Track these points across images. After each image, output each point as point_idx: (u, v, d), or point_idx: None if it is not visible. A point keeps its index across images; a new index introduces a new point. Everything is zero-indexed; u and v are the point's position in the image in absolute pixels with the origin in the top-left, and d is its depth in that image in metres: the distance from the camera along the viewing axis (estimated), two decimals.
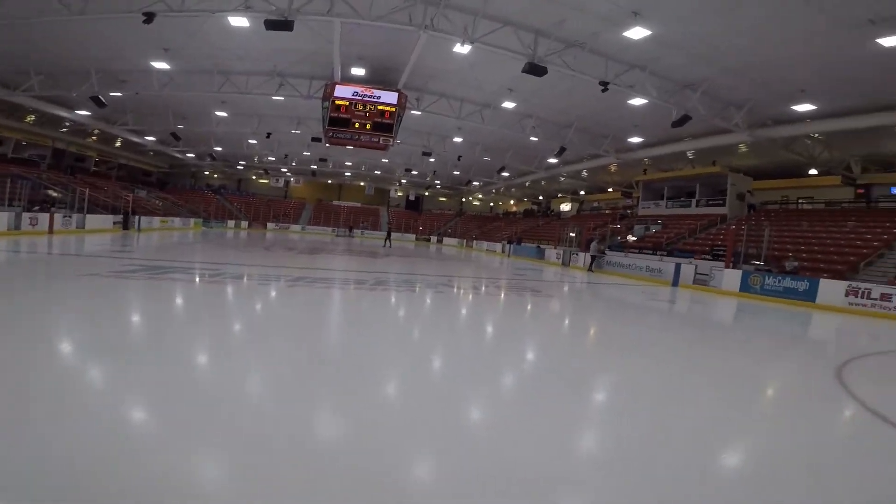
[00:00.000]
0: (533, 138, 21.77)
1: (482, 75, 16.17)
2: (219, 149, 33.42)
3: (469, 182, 40.35)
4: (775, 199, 23.14)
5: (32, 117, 24.77)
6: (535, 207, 46.57)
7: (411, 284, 9.17)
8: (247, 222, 40.71)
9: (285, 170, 42.24)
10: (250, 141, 30.59)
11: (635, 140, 21.85)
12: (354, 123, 17.12)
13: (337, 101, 16.71)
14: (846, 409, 3.48)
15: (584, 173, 30.92)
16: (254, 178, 49.58)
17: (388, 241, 28.07)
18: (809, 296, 11.86)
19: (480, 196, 52.99)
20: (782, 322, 9.03)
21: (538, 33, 12.32)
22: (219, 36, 14.39)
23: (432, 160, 31.58)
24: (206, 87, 18.14)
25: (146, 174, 42.01)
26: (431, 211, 53.63)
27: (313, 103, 18.34)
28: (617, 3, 10.37)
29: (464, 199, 54.59)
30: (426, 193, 51.13)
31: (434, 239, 44.96)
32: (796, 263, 13.54)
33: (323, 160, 35.17)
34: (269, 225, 41.37)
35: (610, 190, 36.02)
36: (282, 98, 19.00)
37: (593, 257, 19.07)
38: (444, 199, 54.70)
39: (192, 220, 33.40)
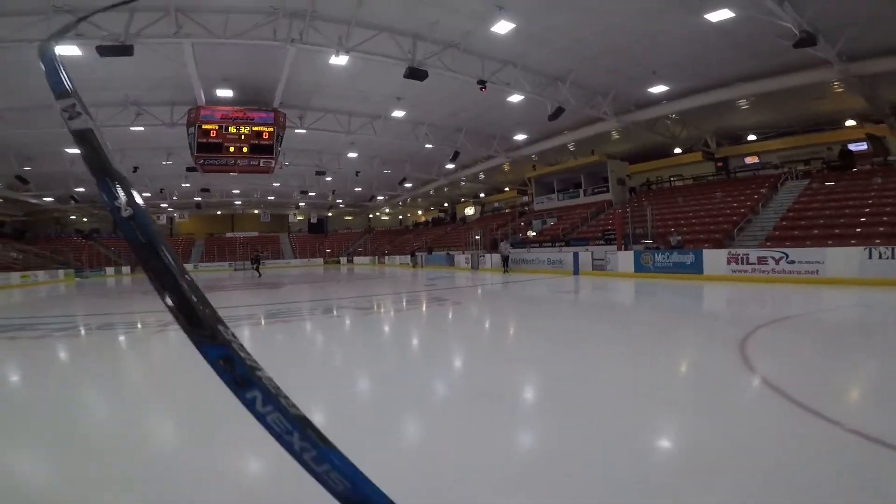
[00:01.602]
0: (428, 145, 21.70)
1: (366, 86, 15.68)
2: (80, 189, 28.94)
3: (373, 198, 39.41)
4: (651, 180, 25.41)
5: None
6: (442, 215, 46.95)
7: (327, 311, 8.22)
8: (128, 267, 35.74)
9: (165, 205, 37.85)
10: None
11: (521, 137, 22.75)
12: (228, 148, 15.70)
13: (204, 126, 15.21)
14: (753, 392, 3.35)
15: (481, 175, 31.66)
16: None
17: (256, 269, 25.43)
18: (697, 268, 12.81)
19: (388, 210, 52.19)
20: (677, 298, 9.44)
21: (416, 37, 12.18)
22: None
23: (329, 179, 30.34)
24: (47, 124, 15.52)
25: None
26: (338, 231, 51.69)
27: (180, 131, 16.40)
28: None
29: (371, 216, 53.39)
30: (329, 214, 49.15)
31: (344, 259, 43.26)
32: (679, 237, 14.74)
33: (205, 190, 31.90)
34: None
35: (507, 189, 37.40)
36: (142, 128, 16.88)
37: (505, 257, 19.02)
38: (349, 217, 53.01)
39: (61, 272, 28.35)
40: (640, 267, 14.25)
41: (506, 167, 28.92)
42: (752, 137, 21.86)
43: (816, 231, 12.76)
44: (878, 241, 10.68)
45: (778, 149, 20.87)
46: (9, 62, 11.71)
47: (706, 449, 2.30)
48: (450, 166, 27.05)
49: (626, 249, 15.39)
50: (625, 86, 15.95)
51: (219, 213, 46.15)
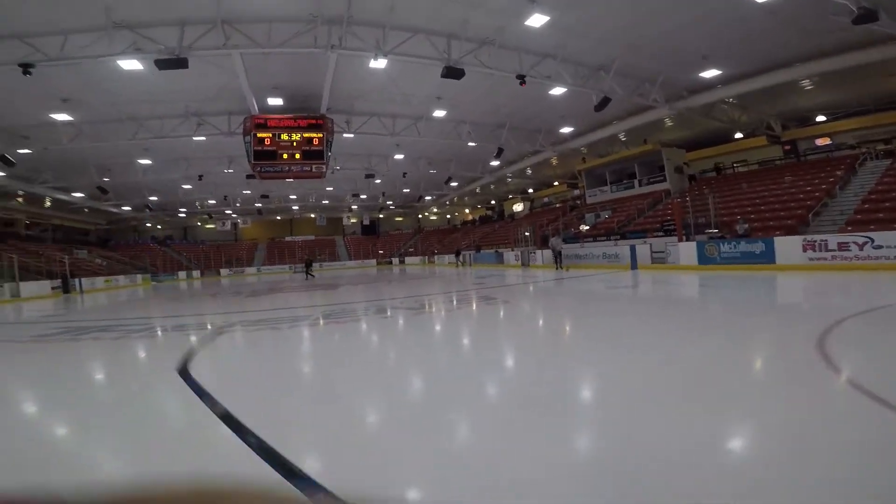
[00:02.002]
0: (471, 143, 21.65)
1: (407, 88, 15.92)
2: (154, 198, 31.71)
3: (421, 198, 39.95)
4: (710, 167, 23.88)
5: None
6: (489, 213, 46.66)
7: (381, 311, 8.44)
8: (199, 271, 38.70)
9: (229, 212, 40.51)
10: (184, 186, 28.97)
11: (567, 130, 22.15)
12: (282, 154, 16.42)
13: (259, 135, 15.97)
14: (836, 392, 2.99)
15: (529, 171, 31.12)
16: (199, 224, 47.34)
17: (308, 273, 25.81)
18: (768, 257, 11.85)
19: (435, 210, 52.68)
20: (749, 291, 8.72)
21: (450, 36, 12.25)
22: (117, 81, 13.54)
23: (378, 181, 31.06)
24: (120, 136, 17.09)
25: (84, 233, 39.46)
26: (389, 233, 52.90)
27: (238, 140, 17.42)
28: None
29: (420, 216, 54.13)
30: (380, 216, 50.32)
31: (396, 260, 44.16)
32: (746, 225, 13.71)
33: (265, 196, 33.81)
34: (223, 271, 39.50)
35: (556, 183, 36.50)
36: (203, 138, 18.12)
37: (557, 253, 18.21)
38: (400, 218, 54.07)
39: (139, 277, 31.28)
40: (704, 258, 13.37)
41: (553, 161, 28.25)
42: (821, 118, 20.12)
43: None
44: None
45: (852, 128, 19.27)
46: (78, 77, 12.85)
47: (788, 459, 2.06)
48: (495, 163, 26.85)
49: (687, 240, 14.49)
50: (673, 71, 15.24)
51: (278, 218, 48.64)
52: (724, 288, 9.34)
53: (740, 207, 16.67)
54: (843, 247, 10.45)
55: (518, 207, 41.27)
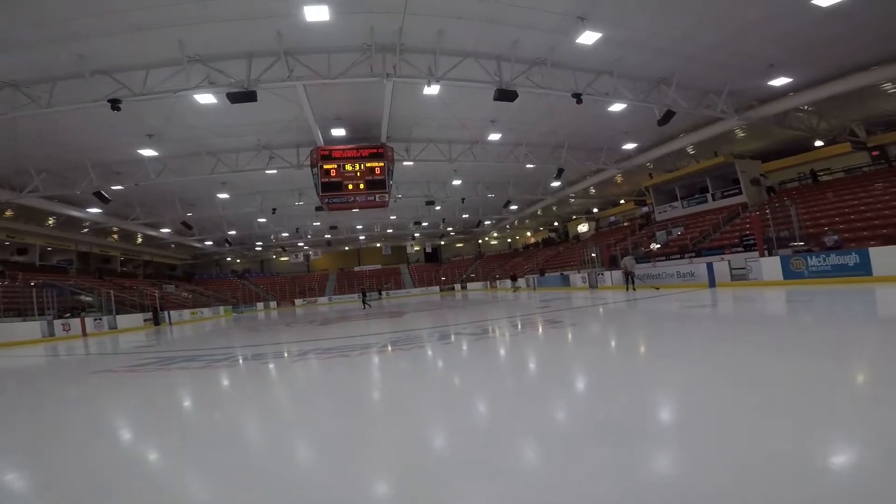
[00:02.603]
0: (529, 165, 21.62)
1: (462, 112, 16.28)
2: (232, 232, 34.39)
3: (480, 223, 40.22)
4: (792, 177, 22.07)
5: (52, 220, 25.67)
6: (552, 235, 45.84)
7: (444, 337, 8.60)
8: (275, 302, 41.36)
9: (302, 244, 43.24)
10: (259, 220, 31.17)
11: (630, 146, 21.55)
12: (347, 185, 16.96)
13: (325, 166, 16.65)
14: None
15: (592, 190, 30.45)
16: (274, 257, 50.93)
17: (364, 302, 26.19)
18: (863, 269, 10.69)
19: (496, 234, 52.71)
20: (845, 305, 7.88)
21: (499, 58, 12.44)
22: (193, 115, 14.63)
23: (438, 208, 31.82)
24: (200, 170, 18.39)
25: (171, 268, 43.78)
26: (450, 259, 53.59)
27: (307, 172, 18.43)
28: (561, 11, 10.45)
29: (480, 241, 54.39)
30: (442, 243, 51.26)
31: (458, 286, 44.46)
32: (836, 237, 12.43)
33: (333, 228, 35.80)
34: (297, 301, 41.91)
35: (622, 202, 35.28)
36: (275, 171, 19.39)
37: (629, 274, 16.43)
38: (460, 244, 54.67)
39: (221, 308, 34.03)
40: (790, 273, 12.23)
41: (618, 179, 27.48)
42: None
43: None
44: None
45: None
46: (161, 113, 13.95)
47: None
48: (555, 184, 26.52)
49: (770, 255, 13.35)
50: (739, 81, 14.68)
51: (346, 248, 51.15)
52: (815, 303, 8.46)
53: (827, 218, 15.28)
54: None
55: (583, 228, 40.25)
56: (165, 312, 25.15)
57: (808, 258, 11.93)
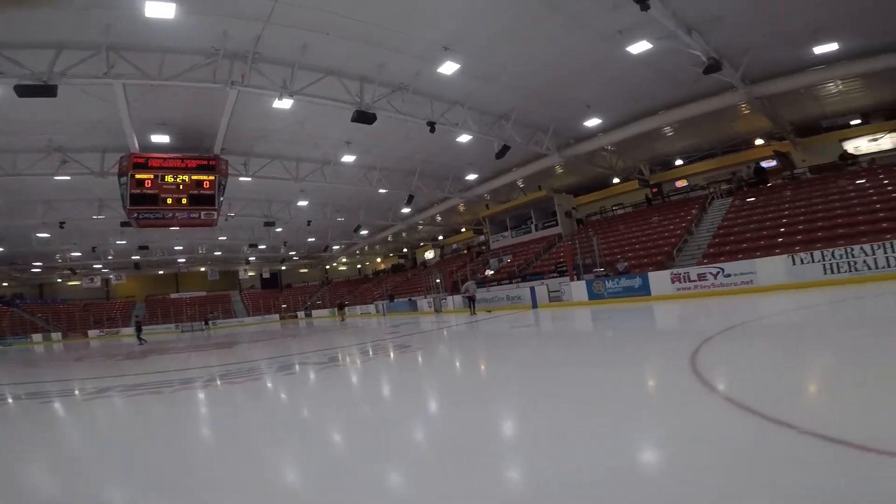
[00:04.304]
0: (382, 190, 21.76)
1: (315, 130, 15.61)
2: None
3: (328, 247, 38.71)
4: (595, 211, 26.62)
5: None
6: (402, 261, 46.76)
7: (288, 367, 7.70)
8: (59, 333, 32.81)
9: (99, 265, 35.29)
10: (39, 235, 24.34)
11: (473, 177, 23.44)
12: (166, 199, 14.66)
13: (138, 176, 14.11)
14: (706, 402, 3.39)
15: (438, 217, 32.06)
16: (59, 280, 40.53)
17: (139, 338, 21.57)
18: (644, 290, 13.37)
19: (345, 260, 51.40)
20: (630, 320, 9.74)
21: (363, 79, 12.37)
22: None
23: (279, 230, 29.65)
24: None
25: None
26: (293, 285, 50.08)
27: (113, 181, 15.29)
28: (428, 39, 10.96)
29: (328, 267, 52.32)
30: (283, 268, 47.75)
31: (302, 314, 41.71)
32: (626, 263, 15.36)
33: (144, 248, 29.90)
34: (92, 332, 34.04)
35: (463, 230, 37.99)
36: (68, 177, 15.67)
37: (470, 298, 17.05)
38: (305, 270, 51.67)
39: None
40: (593, 294, 14.68)
41: (461, 208, 29.51)
42: (679, 162, 23.61)
43: (745, 245, 13.74)
44: (797, 248, 11.76)
45: (703, 171, 22.68)
46: None
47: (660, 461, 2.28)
48: (406, 210, 27.16)
49: (578, 279, 15.83)
50: (563, 120, 16.92)
51: (161, 272, 43.70)
52: (612, 319, 10.31)
53: (619, 247, 18.75)
54: (701, 277, 12.27)
55: (429, 255, 42.01)
56: None
57: (606, 282, 14.53)
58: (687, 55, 11.80)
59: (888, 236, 10.36)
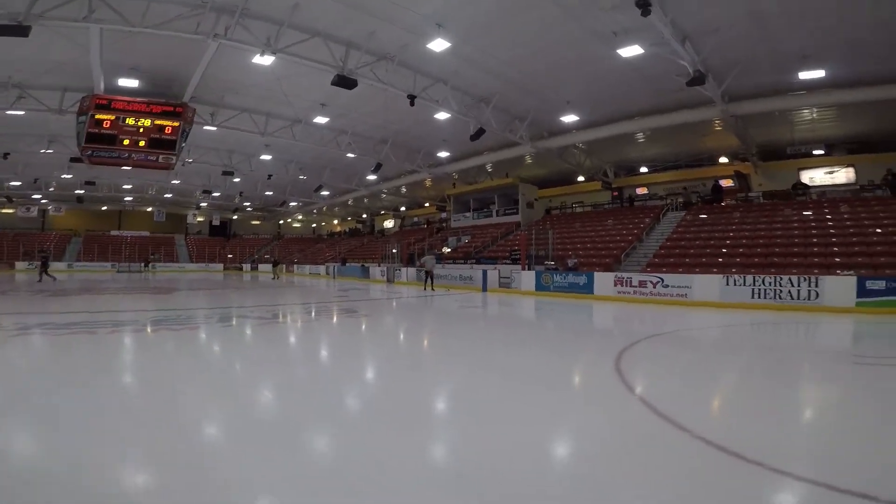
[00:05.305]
0: (350, 154, 21.34)
1: (291, 90, 14.96)
2: None
3: (285, 203, 37.61)
4: (557, 205, 27.17)
5: None
6: (359, 226, 46.24)
7: (225, 319, 7.63)
8: None
9: (38, 196, 32.81)
10: None
11: (444, 154, 23.30)
12: (123, 140, 14.36)
13: (98, 116, 13.80)
14: (627, 403, 3.80)
15: (404, 189, 31.86)
16: None
17: (41, 273, 19.48)
18: (588, 288, 14.09)
19: (301, 217, 50.15)
20: (570, 315, 10.39)
21: (349, 45, 11.97)
22: None
23: (237, 180, 28.60)
24: None
25: None
26: (242, 236, 48.42)
27: (69, 119, 14.69)
28: (423, 13, 10.68)
29: (281, 222, 50.90)
30: (234, 217, 45.97)
31: (248, 266, 40.59)
32: (575, 260, 16.10)
33: (90, 183, 28.13)
34: (20, 264, 31.79)
35: (427, 205, 37.97)
36: (22, 112, 14.78)
37: (428, 272, 17.47)
38: (257, 222, 50.03)
39: None
40: (540, 286, 15.34)
41: (428, 183, 29.40)
42: (644, 169, 24.07)
43: (687, 259, 14.56)
44: (734, 269, 12.58)
45: (664, 181, 22.96)
46: None
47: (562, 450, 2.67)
48: (371, 177, 26.84)
49: (529, 269, 16.46)
50: (541, 112, 16.86)
51: (104, 208, 41.01)
52: (554, 312, 10.96)
53: (573, 244, 19.44)
54: (642, 284, 13.06)
55: (389, 224, 41.77)
56: None
57: (554, 275, 15.21)
58: (674, 64, 11.85)
59: (815, 271, 11.24)
